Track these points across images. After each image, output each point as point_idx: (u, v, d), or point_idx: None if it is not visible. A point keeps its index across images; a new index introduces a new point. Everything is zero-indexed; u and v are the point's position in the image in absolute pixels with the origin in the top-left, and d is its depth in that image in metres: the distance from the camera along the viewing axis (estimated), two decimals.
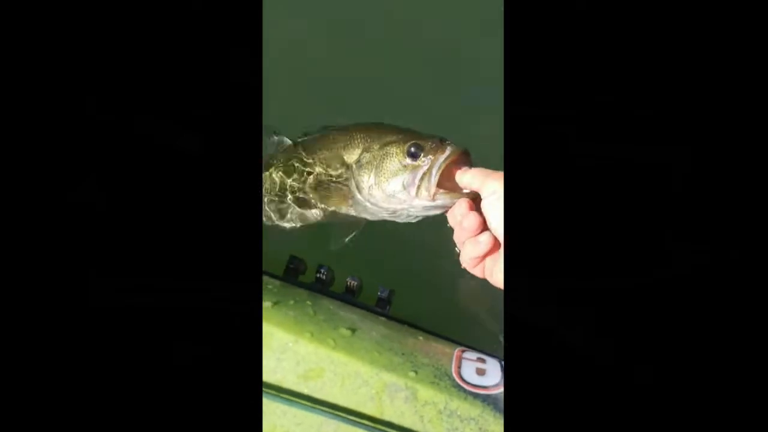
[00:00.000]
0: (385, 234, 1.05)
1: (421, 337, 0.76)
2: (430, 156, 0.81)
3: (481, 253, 0.72)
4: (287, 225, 1.02)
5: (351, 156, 0.91)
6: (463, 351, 0.73)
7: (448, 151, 0.80)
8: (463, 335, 0.80)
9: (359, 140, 0.91)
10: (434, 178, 0.80)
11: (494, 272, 0.73)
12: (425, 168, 0.81)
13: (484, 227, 0.73)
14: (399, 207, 0.86)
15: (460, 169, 0.80)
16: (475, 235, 0.72)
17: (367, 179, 0.88)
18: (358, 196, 0.89)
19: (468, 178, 0.76)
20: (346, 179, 0.91)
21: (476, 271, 0.75)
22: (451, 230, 0.79)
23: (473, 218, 0.73)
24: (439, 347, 0.74)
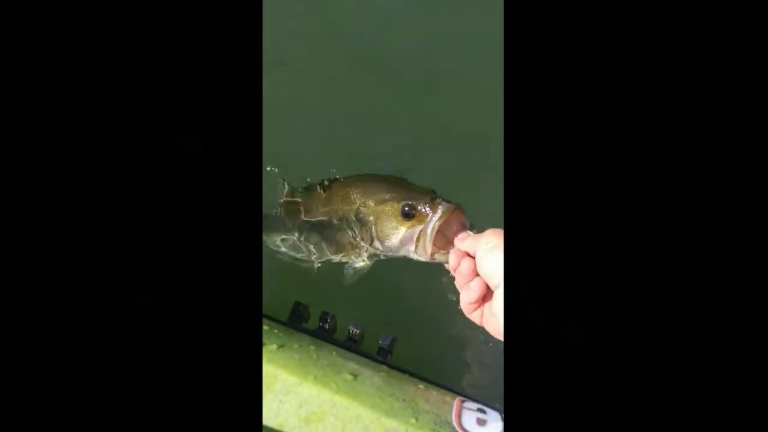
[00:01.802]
0: (388, 283, 1.10)
1: (421, 386, 0.77)
2: (425, 218, 0.85)
3: (472, 299, 0.74)
4: (305, 259, 1.06)
5: (350, 210, 0.96)
6: (463, 401, 0.74)
7: (439, 212, 0.84)
8: (463, 387, 0.81)
9: (355, 196, 0.96)
10: (429, 241, 0.85)
11: (489, 321, 0.74)
12: (420, 228, 0.86)
13: (477, 274, 0.75)
14: (402, 256, 0.91)
15: (457, 225, 0.84)
16: (468, 282, 0.74)
17: (368, 234, 0.93)
18: (365, 245, 0.94)
19: (466, 245, 0.78)
20: (353, 230, 0.96)
21: (474, 318, 0.76)
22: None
23: (466, 264, 0.75)
24: (439, 396, 0.75)
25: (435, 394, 0.75)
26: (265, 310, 0.78)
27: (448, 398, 0.74)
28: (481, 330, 0.76)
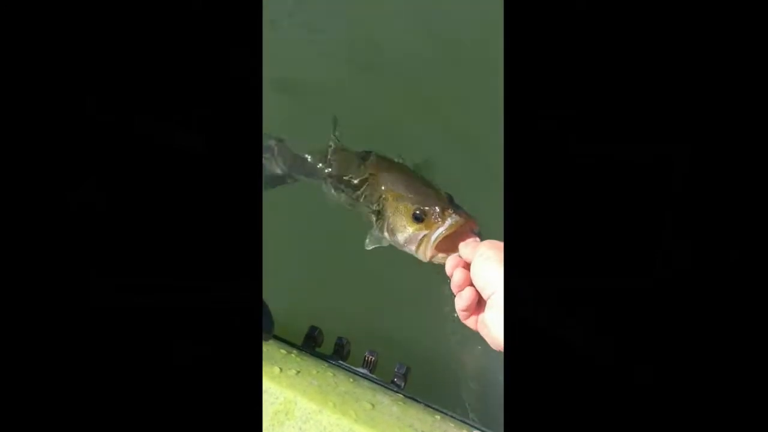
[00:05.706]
0: (401, 309, 1.14)
1: (438, 416, 0.77)
2: (432, 225, 0.87)
3: (462, 306, 0.74)
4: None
5: (375, 195, 1.01)
6: None
7: (447, 224, 0.86)
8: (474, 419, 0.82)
9: (381, 185, 1.01)
10: (431, 247, 0.87)
11: (482, 329, 0.74)
12: (423, 234, 0.88)
13: (471, 284, 0.75)
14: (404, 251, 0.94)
15: (465, 232, 0.85)
16: (460, 291, 0.75)
17: (382, 223, 0.97)
18: (380, 228, 0.98)
19: (465, 251, 0.79)
20: (374, 213, 1.01)
21: (469, 324, 0.77)
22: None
23: (459, 273, 0.76)
24: (456, 428, 0.75)
25: (452, 426, 0.75)
26: (279, 333, 0.79)
27: (464, 431, 0.74)
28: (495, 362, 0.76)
